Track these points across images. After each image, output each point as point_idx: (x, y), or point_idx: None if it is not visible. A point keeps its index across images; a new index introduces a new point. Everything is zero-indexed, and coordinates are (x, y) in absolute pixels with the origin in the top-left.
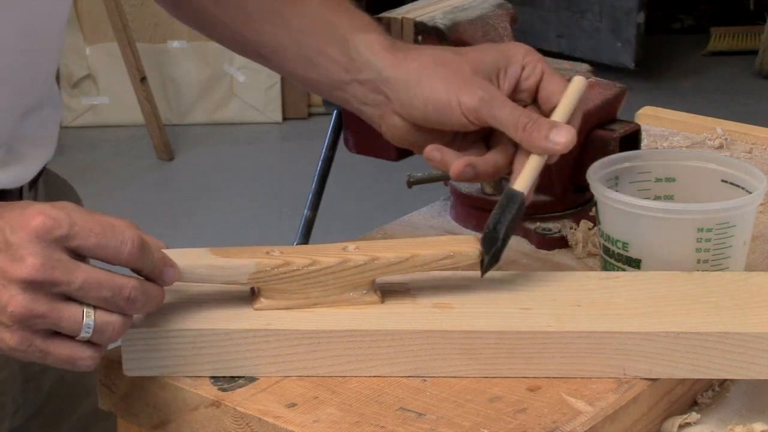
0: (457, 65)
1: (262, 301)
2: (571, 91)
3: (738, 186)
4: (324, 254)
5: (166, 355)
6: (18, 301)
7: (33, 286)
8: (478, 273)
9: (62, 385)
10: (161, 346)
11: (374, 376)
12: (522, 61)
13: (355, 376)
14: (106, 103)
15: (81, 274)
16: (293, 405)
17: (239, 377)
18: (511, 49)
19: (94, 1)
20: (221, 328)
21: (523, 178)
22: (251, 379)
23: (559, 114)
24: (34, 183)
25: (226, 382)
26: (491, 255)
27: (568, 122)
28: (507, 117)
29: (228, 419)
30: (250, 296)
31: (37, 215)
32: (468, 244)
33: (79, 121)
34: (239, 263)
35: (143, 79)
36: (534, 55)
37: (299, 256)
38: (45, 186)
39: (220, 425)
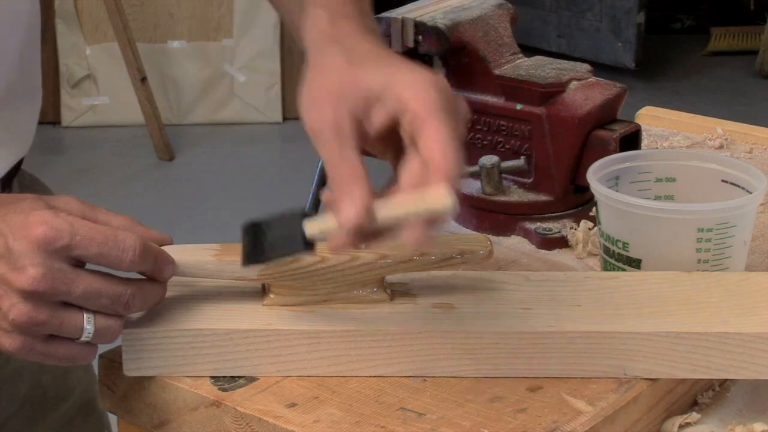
0: (338, 80)
1: (272, 297)
2: (422, 201)
3: (738, 186)
4: (334, 251)
5: (166, 355)
6: (19, 309)
7: (34, 295)
8: (480, 273)
9: (39, 388)
10: (161, 346)
11: (375, 376)
12: (396, 101)
13: (356, 376)
14: (107, 103)
15: (81, 284)
16: (293, 405)
17: (239, 377)
18: (397, 83)
19: (94, 1)
20: (221, 328)
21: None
22: (251, 379)
23: (389, 207)
24: (8, 183)
25: (227, 382)
26: (256, 257)
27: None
28: (327, 164)
29: (228, 419)
30: (251, 295)
31: (39, 225)
32: (478, 243)
33: (79, 121)
34: None
35: (143, 79)
36: (421, 96)
37: None
38: (20, 188)
39: (221, 425)
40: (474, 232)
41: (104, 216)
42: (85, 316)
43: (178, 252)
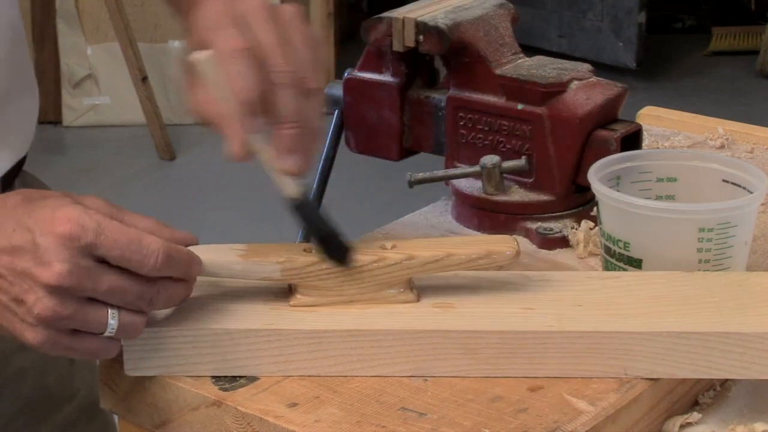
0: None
1: (299, 298)
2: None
3: (739, 186)
4: (361, 252)
5: (168, 355)
6: (44, 303)
7: (59, 290)
8: (480, 273)
9: (43, 389)
10: (162, 345)
11: (375, 376)
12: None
13: (357, 376)
14: (108, 103)
15: (106, 281)
16: (294, 405)
17: (240, 377)
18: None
19: (95, 1)
20: (222, 328)
21: (283, 183)
22: (252, 379)
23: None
24: (9, 183)
25: (228, 381)
26: (345, 256)
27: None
28: (218, 127)
29: (229, 419)
30: (253, 295)
31: (66, 222)
32: (504, 243)
33: (80, 121)
34: (274, 260)
35: (144, 79)
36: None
37: None
38: (22, 188)
39: (222, 425)
40: (472, 232)
41: (130, 218)
42: (109, 311)
43: (204, 252)
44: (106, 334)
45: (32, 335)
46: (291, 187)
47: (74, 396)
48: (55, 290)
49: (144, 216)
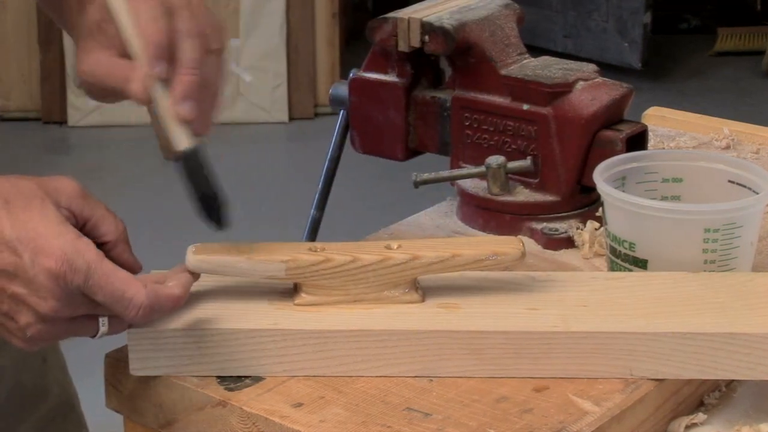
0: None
1: (303, 297)
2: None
3: (745, 186)
4: (366, 252)
5: (173, 355)
6: (38, 329)
7: (53, 319)
8: (486, 273)
9: (20, 388)
10: (167, 345)
11: (381, 376)
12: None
13: (362, 376)
14: (113, 103)
15: (98, 309)
16: (300, 405)
17: (245, 377)
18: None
19: None
20: (227, 327)
21: (176, 134)
22: (257, 379)
23: (137, 48)
24: None
25: (233, 381)
26: (221, 219)
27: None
28: (114, 78)
29: (234, 419)
30: (257, 295)
31: (58, 258)
32: (510, 244)
33: (85, 120)
34: (279, 258)
35: None
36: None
37: (340, 253)
38: None
39: (227, 425)
40: (477, 233)
41: (99, 215)
42: (99, 319)
43: (209, 250)
44: (97, 337)
45: (23, 345)
46: (182, 140)
47: (48, 394)
48: (49, 318)
49: (113, 218)
